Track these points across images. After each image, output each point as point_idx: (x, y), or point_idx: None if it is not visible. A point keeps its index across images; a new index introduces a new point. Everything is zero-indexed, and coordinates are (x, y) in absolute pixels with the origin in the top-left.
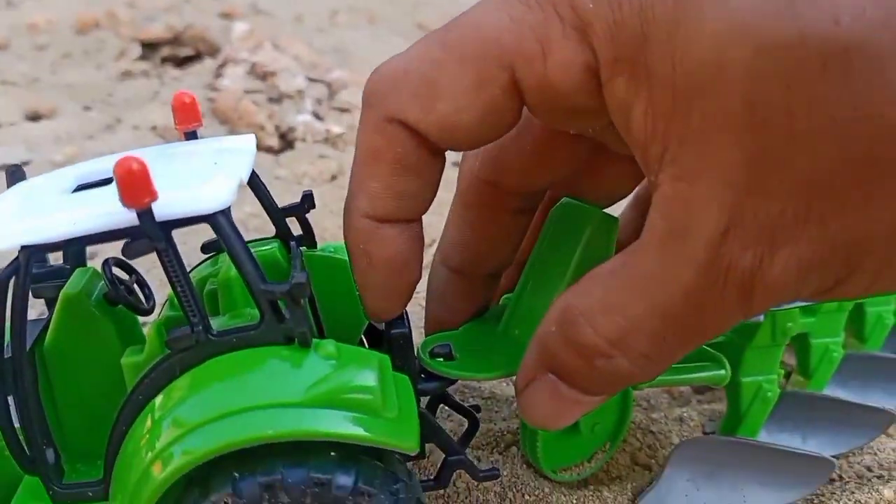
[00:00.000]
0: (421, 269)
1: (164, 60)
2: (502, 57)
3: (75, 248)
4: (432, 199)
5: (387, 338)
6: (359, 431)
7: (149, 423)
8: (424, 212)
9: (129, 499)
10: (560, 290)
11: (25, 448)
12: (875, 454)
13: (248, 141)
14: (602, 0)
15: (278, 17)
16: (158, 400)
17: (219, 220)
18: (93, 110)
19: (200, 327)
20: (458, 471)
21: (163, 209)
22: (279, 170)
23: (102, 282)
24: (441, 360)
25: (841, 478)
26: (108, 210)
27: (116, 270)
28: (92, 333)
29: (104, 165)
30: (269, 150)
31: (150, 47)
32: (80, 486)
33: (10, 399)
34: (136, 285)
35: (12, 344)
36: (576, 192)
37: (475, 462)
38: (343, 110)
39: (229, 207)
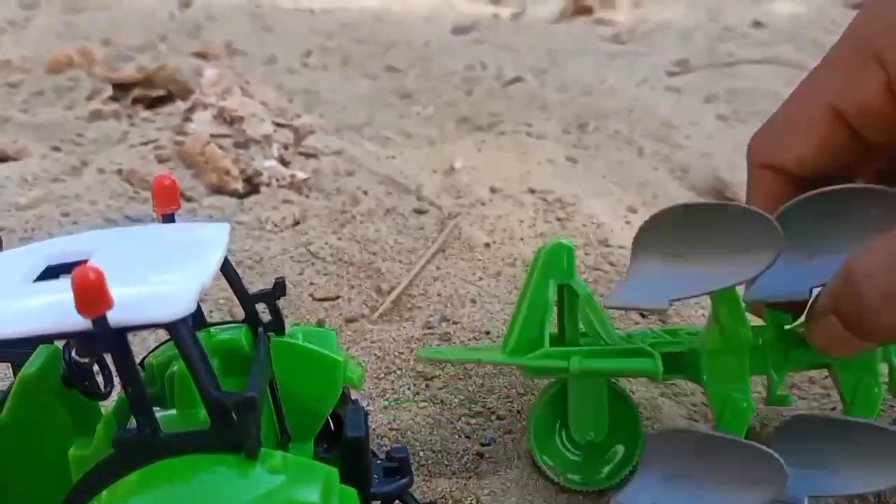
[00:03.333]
0: None
1: (136, 101)
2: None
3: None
4: None
5: (343, 442)
6: None
7: None
8: None
9: None
10: None
11: None
12: None
13: (221, 231)
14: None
15: (252, 57)
16: (99, 499)
17: (177, 328)
18: (61, 151)
19: (147, 430)
20: None
21: (119, 315)
22: (243, 215)
23: (60, 362)
24: None
25: None
26: (63, 311)
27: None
28: (46, 416)
29: (76, 247)
30: (233, 193)
31: (121, 88)
32: None
33: None
34: (96, 367)
35: None
36: None
37: None
38: (309, 155)
39: (189, 315)
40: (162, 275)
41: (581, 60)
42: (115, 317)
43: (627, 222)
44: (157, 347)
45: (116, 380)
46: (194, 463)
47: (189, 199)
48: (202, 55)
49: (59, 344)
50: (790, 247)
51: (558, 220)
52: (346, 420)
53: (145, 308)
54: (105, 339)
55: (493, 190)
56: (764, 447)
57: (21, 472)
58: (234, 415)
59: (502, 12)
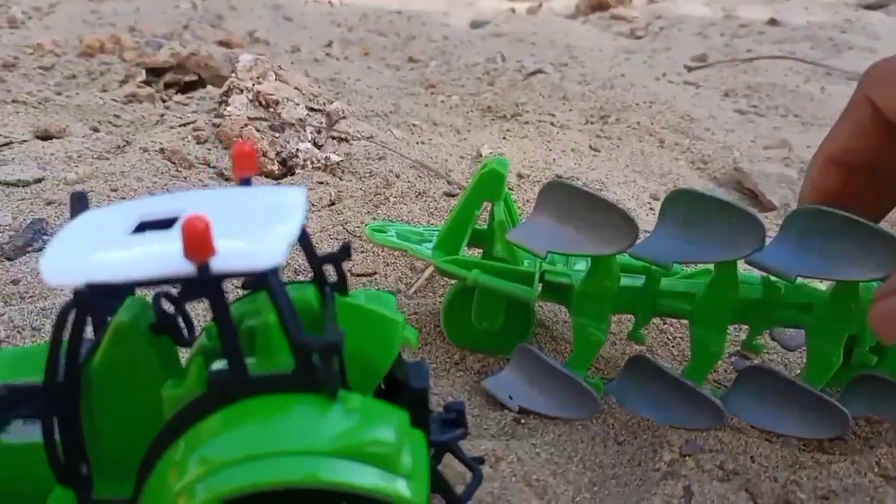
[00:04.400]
0: None
1: (168, 86)
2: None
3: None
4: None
5: (407, 392)
6: (373, 484)
7: (179, 455)
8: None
9: None
10: None
11: (62, 460)
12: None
13: (299, 194)
14: None
15: (275, 47)
16: (190, 434)
17: (269, 278)
18: (101, 131)
19: (239, 370)
20: None
21: (218, 264)
22: None
23: (148, 311)
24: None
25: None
26: (169, 258)
27: (164, 302)
28: (136, 360)
29: (166, 205)
30: (270, 174)
31: (154, 72)
32: (108, 502)
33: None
34: (180, 318)
35: (66, 370)
36: None
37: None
38: (341, 139)
39: (279, 267)
40: (254, 230)
41: (599, 55)
42: (215, 264)
43: (651, 209)
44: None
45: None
46: (279, 401)
47: (227, 180)
48: (226, 44)
49: (149, 297)
50: (670, 227)
51: None
52: (409, 373)
53: (242, 258)
54: (206, 285)
55: (520, 176)
56: None
57: (114, 412)
58: (315, 358)
59: (519, 7)
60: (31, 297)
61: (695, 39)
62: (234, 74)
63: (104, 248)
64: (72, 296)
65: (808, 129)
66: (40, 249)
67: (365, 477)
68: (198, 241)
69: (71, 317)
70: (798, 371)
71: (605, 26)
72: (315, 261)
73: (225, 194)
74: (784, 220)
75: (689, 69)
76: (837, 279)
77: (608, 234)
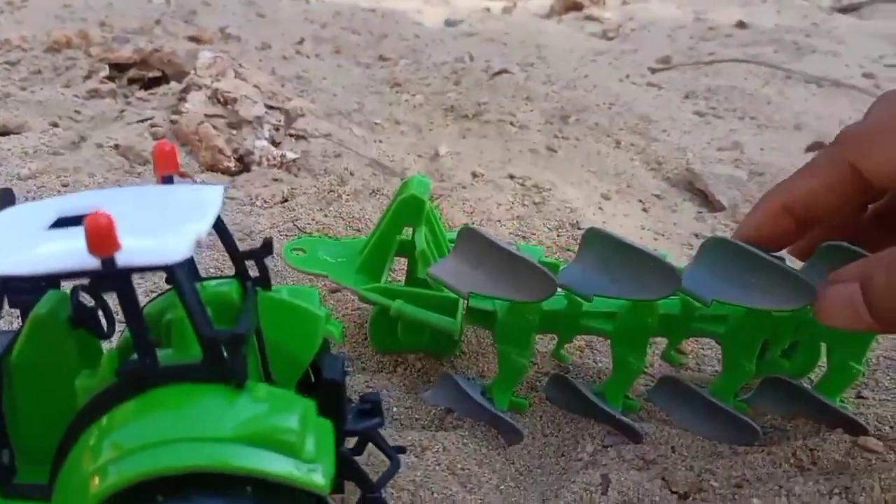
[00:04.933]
0: None
1: (132, 81)
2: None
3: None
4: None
5: (321, 383)
6: (276, 469)
7: (92, 440)
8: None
9: None
10: None
11: None
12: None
13: (216, 193)
14: None
15: (246, 44)
16: (103, 421)
17: (175, 272)
18: (59, 126)
19: (148, 360)
20: None
21: (125, 258)
22: (234, 191)
23: (68, 305)
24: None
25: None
26: (76, 253)
27: (83, 297)
28: (55, 352)
29: (84, 202)
30: (226, 171)
31: (118, 68)
32: (29, 486)
33: None
34: (100, 311)
35: None
36: None
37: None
38: (298, 137)
39: (186, 261)
40: (163, 226)
41: (568, 55)
42: (122, 259)
43: (600, 208)
44: (152, 300)
45: (118, 325)
46: (187, 391)
47: (183, 176)
48: (196, 39)
49: (67, 290)
50: (590, 261)
51: (534, 203)
52: (324, 365)
53: (148, 252)
54: (113, 278)
55: (474, 175)
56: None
57: (33, 402)
58: (224, 350)
59: (494, 6)
60: None
61: (663, 41)
62: (193, 71)
63: (18, 243)
64: None
65: (762, 132)
66: None
67: (269, 462)
68: (100, 237)
69: None
70: (713, 376)
71: (578, 27)
72: (237, 255)
73: (144, 192)
74: (700, 246)
75: (653, 71)
76: (751, 307)
77: (525, 285)
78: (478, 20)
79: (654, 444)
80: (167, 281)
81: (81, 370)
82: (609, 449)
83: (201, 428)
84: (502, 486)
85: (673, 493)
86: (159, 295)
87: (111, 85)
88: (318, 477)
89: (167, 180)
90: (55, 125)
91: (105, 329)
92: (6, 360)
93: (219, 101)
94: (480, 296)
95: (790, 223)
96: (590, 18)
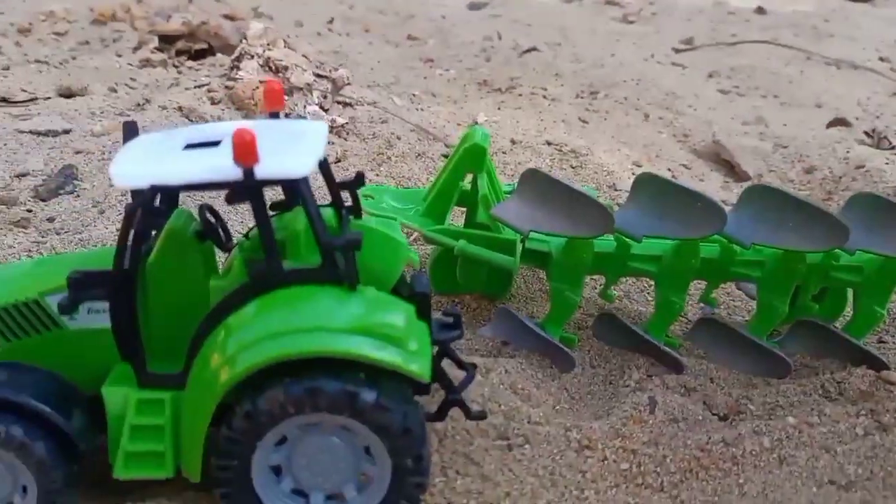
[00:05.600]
0: None
1: (179, 53)
2: None
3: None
4: None
5: (412, 295)
6: (385, 356)
7: (225, 333)
8: None
9: (202, 391)
10: None
11: (123, 341)
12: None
13: (321, 125)
14: None
15: (278, 22)
16: (234, 316)
17: (301, 184)
18: (118, 92)
19: (275, 263)
20: (453, 408)
21: (261, 171)
22: None
23: (193, 222)
24: None
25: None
26: (220, 166)
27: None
28: (183, 260)
29: (208, 132)
30: None
31: (166, 40)
32: (162, 376)
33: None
34: (219, 227)
35: (131, 259)
36: None
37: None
38: (345, 104)
39: (309, 176)
40: (286, 148)
41: (591, 36)
42: (259, 172)
43: (634, 173)
44: (253, 228)
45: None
46: (308, 291)
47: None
48: (230, 18)
49: (189, 209)
50: (640, 205)
51: (572, 167)
52: (413, 281)
53: (280, 168)
54: (251, 189)
55: (513, 141)
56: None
57: (161, 305)
58: (339, 255)
59: None
60: (65, 231)
61: (683, 25)
62: (244, 41)
63: (163, 159)
64: (135, 198)
65: (784, 109)
66: (71, 192)
67: (380, 351)
68: (245, 149)
69: (137, 215)
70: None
71: (599, 11)
72: (333, 186)
73: (259, 124)
74: (741, 194)
75: (677, 51)
76: (786, 248)
77: (585, 220)
78: (501, 3)
79: (694, 375)
80: (283, 204)
81: (204, 276)
82: (653, 377)
83: (321, 320)
84: (558, 407)
85: (714, 414)
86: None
87: (161, 55)
88: (420, 367)
89: (274, 115)
90: (114, 90)
91: (225, 242)
92: (142, 266)
93: (270, 69)
94: (537, 238)
95: None
96: (610, 3)
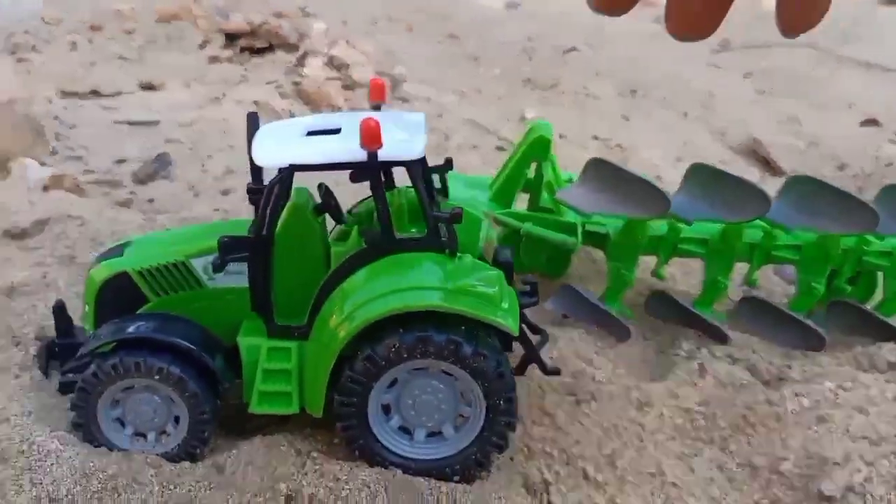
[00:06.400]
0: None
1: (242, 50)
2: None
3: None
4: None
5: (497, 264)
6: (483, 312)
7: (345, 291)
8: None
9: (325, 343)
10: None
11: (258, 296)
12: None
13: (420, 115)
14: None
15: (324, 21)
16: (352, 277)
17: (415, 165)
18: (192, 87)
19: (388, 231)
20: (531, 364)
21: (383, 153)
22: None
23: (311, 199)
24: None
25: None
26: (348, 149)
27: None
28: (305, 229)
29: (324, 121)
30: None
31: (229, 38)
32: (288, 327)
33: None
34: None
35: (268, 228)
36: None
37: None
38: (404, 100)
39: (420, 158)
40: (398, 134)
41: (628, 37)
42: (381, 154)
43: (676, 167)
44: (359, 203)
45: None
46: (416, 257)
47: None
48: (279, 15)
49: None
50: (692, 191)
51: (618, 160)
52: (497, 252)
53: (397, 150)
54: (373, 169)
55: (560, 136)
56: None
57: (286, 267)
58: (442, 226)
59: None
60: (166, 211)
61: (720, 27)
62: (308, 40)
63: (295, 144)
64: (278, 173)
65: (816, 110)
66: (166, 177)
67: (476, 308)
68: (372, 135)
69: (275, 190)
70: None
71: (634, 12)
72: (427, 171)
73: (366, 114)
74: (785, 182)
75: (713, 52)
76: (823, 232)
77: (644, 203)
78: (537, 4)
79: (739, 347)
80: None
81: (321, 245)
82: (701, 349)
83: (427, 280)
84: (617, 371)
85: (757, 379)
86: (362, 201)
87: (228, 52)
88: (512, 323)
89: (377, 108)
90: (188, 86)
91: (340, 216)
92: (272, 236)
93: (333, 67)
94: (596, 221)
95: None
96: (646, 4)
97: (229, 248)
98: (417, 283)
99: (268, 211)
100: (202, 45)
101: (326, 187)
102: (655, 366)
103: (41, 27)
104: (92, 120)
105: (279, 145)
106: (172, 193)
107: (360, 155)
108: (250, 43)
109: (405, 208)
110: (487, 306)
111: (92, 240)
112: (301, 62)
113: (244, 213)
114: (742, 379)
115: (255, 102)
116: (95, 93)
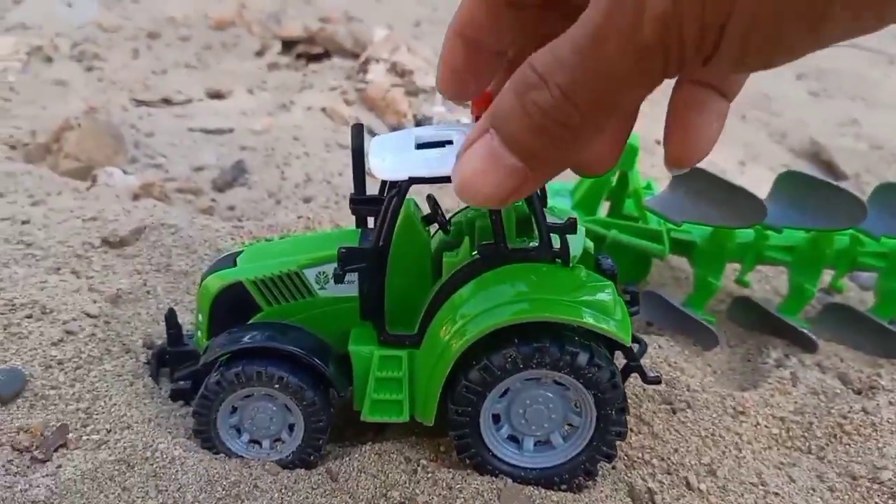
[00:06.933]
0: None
1: (299, 56)
2: None
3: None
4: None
5: (602, 271)
6: (598, 323)
7: (458, 302)
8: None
9: (440, 353)
10: None
11: (372, 306)
12: None
13: None
14: None
15: (369, 24)
16: (464, 289)
17: None
18: (256, 94)
19: (501, 243)
20: (632, 373)
21: None
22: None
23: (418, 209)
24: None
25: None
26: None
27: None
28: (416, 240)
29: (430, 133)
30: None
31: (286, 45)
32: (398, 335)
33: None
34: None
35: (384, 237)
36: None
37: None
38: (464, 105)
39: None
40: None
41: None
42: None
43: (740, 172)
44: (458, 212)
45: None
46: (529, 267)
47: (373, 134)
48: (326, 20)
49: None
50: (781, 199)
51: None
52: (601, 262)
53: None
54: None
55: None
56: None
57: (398, 277)
58: (555, 237)
59: None
60: (247, 218)
61: None
62: (370, 46)
63: (413, 156)
64: (399, 185)
65: (873, 110)
66: (244, 184)
67: (593, 318)
68: None
69: (393, 203)
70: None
71: None
72: None
73: (463, 128)
74: (876, 187)
75: None
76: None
77: (739, 212)
78: None
79: (827, 355)
80: None
81: (428, 253)
82: (790, 357)
83: (542, 291)
84: (705, 380)
85: (849, 388)
86: (460, 210)
87: (286, 59)
88: (626, 333)
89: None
90: (251, 92)
91: (446, 226)
92: (388, 247)
93: (396, 73)
94: (682, 229)
95: (464, 49)
96: None
97: (349, 259)
98: (534, 294)
99: (385, 222)
100: (259, 53)
101: (434, 198)
102: (743, 373)
103: (100, 34)
104: (167, 128)
105: (397, 158)
106: (252, 201)
107: None
108: (307, 49)
109: (513, 218)
110: (603, 317)
111: (186, 247)
112: (363, 68)
113: (326, 221)
114: (834, 387)
115: (323, 109)
116: (166, 101)
